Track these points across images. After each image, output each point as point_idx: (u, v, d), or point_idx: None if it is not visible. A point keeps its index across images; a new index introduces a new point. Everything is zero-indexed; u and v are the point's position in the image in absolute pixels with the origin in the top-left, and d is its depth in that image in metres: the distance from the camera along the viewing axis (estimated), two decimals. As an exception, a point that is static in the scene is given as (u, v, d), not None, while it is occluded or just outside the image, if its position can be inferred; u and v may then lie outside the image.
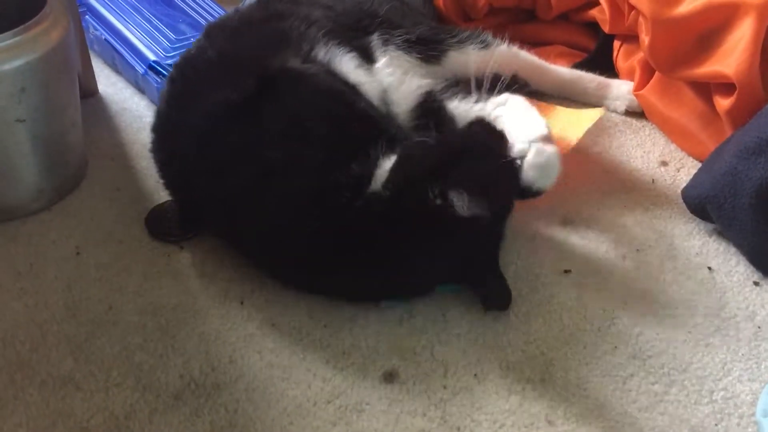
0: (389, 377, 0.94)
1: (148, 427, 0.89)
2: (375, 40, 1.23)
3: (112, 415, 0.90)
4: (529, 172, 1.05)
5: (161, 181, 1.14)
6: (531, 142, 1.07)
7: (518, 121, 1.13)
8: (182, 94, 1.12)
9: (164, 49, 1.42)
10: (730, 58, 1.17)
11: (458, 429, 0.89)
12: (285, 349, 0.98)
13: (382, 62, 1.21)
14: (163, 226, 1.15)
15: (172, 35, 1.46)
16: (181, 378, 0.94)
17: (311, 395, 0.92)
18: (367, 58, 1.21)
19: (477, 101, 1.20)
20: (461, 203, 0.92)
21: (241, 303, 1.04)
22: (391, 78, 1.20)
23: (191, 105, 1.08)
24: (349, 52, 1.16)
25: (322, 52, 1.14)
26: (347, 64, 1.15)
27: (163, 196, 1.19)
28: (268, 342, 0.99)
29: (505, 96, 1.21)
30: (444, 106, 1.22)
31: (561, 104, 1.40)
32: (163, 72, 1.38)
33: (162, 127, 1.13)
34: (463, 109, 1.21)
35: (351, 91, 1.11)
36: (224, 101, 1.04)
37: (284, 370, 0.95)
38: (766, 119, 1.07)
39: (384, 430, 0.89)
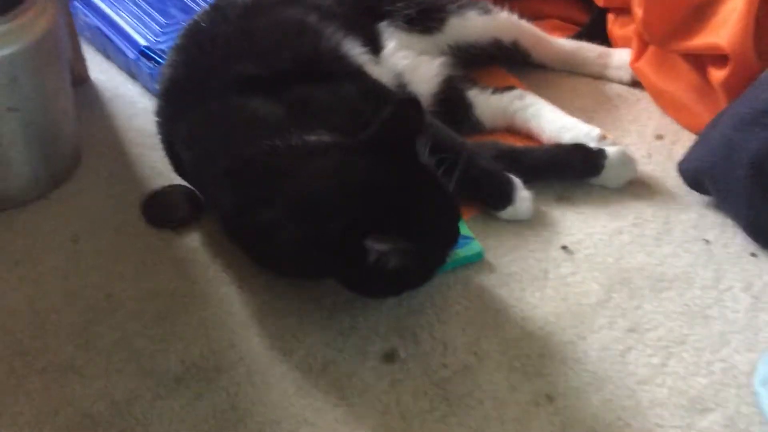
0: (389, 357, 0.95)
1: (150, 412, 0.89)
2: (382, 26, 1.24)
3: (113, 401, 0.90)
4: (610, 172, 1.14)
5: (162, 145, 1.13)
6: (595, 141, 1.17)
7: (560, 121, 1.22)
8: (194, 63, 1.11)
9: (155, 34, 1.41)
10: (724, 29, 1.16)
11: (460, 407, 0.89)
12: (284, 332, 0.98)
13: (390, 47, 1.22)
14: (159, 212, 1.15)
15: (162, 19, 1.45)
16: (182, 363, 0.94)
17: (312, 377, 0.93)
18: (375, 45, 1.22)
19: (494, 93, 1.27)
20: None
21: (240, 287, 1.04)
22: (405, 61, 1.22)
23: (206, 75, 1.08)
24: (362, 45, 1.18)
25: (342, 46, 1.14)
26: (360, 58, 1.16)
27: (159, 182, 1.19)
28: (268, 325, 0.99)
29: (519, 91, 1.29)
30: (464, 94, 1.25)
31: (562, 77, 1.40)
32: (155, 57, 1.37)
33: (171, 93, 1.12)
34: (482, 98, 1.27)
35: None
36: (247, 74, 1.04)
37: (284, 353, 0.95)
38: (761, 90, 1.07)
39: (386, 410, 0.89)
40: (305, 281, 1.02)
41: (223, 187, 0.99)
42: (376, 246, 0.87)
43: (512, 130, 1.29)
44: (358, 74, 1.13)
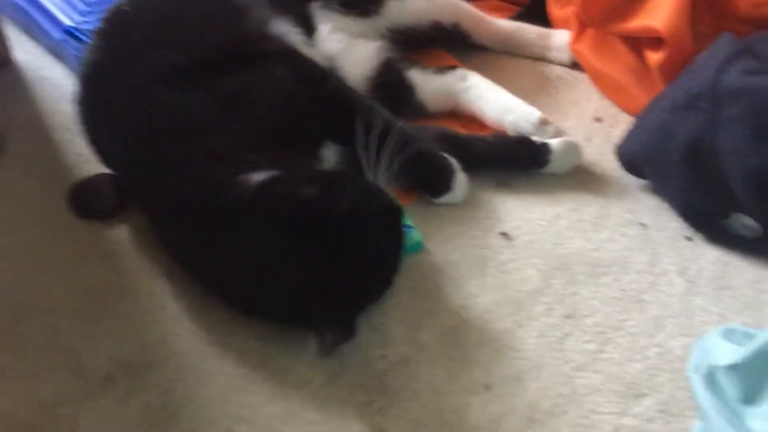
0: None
1: (79, 413, 0.86)
2: (315, 7, 1.21)
3: (40, 403, 0.87)
4: (560, 159, 1.13)
5: (87, 140, 1.08)
6: (535, 125, 1.16)
7: (502, 102, 1.20)
8: (117, 50, 1.06)
9: (80, 13, 1.35)
10: (659, 11, 1.16)
11: (398, 400, 0.88)
12: (218, 326, 0.95)
13: (323, 29, 1.19)
14: (88, 202, 1.10)
15: (88, -2, 1.38)
16: (112, 360, 0.91)
17: (247, 372, 0.91)
18: (308, 27, 1.17)
19: (436, 73, 1.24)
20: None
21: (171, 279, 1.01)
22: (338, 45, 1.18)
23: (128, 62, 1.04)
24: (292, 25, 1.14)
25: (274, 26, 1.11)
26: (291, 37, 1.13)
27: (87, 169, 1.14)
28: (201, 319, 0.96)
29: (462, 71, 1.25)
30: (403, 76, 1.22)
31: (502, 59, 1.39)
32: (81, 37, 1.31)
33: (92, 81, 1.07)
34: (424, 79, 1.23)
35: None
36: (170, 62, 1.00)
37: (218, 348, 0.93)
38: (696, 73, 1.07)
39: (323, 404, 0.88)
40: None
41: (161, 206, 0.98)
42: (325, 331, 0.88)
43: (456, 112, 1.27)
44: (289, 54, 1.09)
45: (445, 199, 1.10)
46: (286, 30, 1.12)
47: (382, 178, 0.98)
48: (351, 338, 0.90)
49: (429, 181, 1.10)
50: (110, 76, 1.04)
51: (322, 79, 1.08)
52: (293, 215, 0.88)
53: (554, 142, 1.15)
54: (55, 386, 0.88)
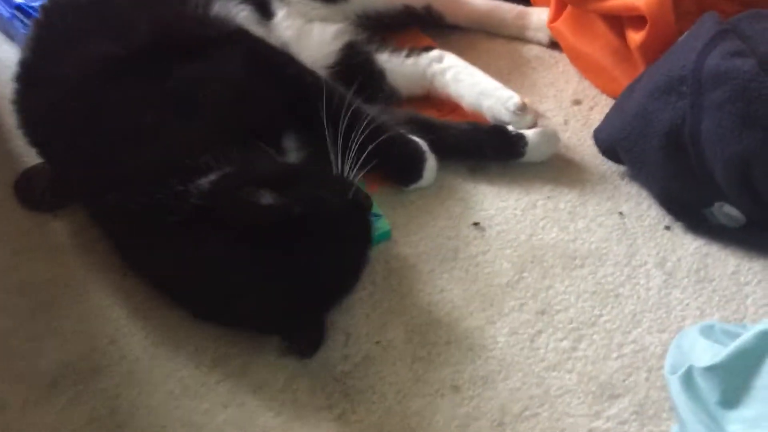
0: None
1: (20, 421, 0.82)
2: None
3: (-20, 409, 0.82)
4: (537, 149, 1.07)
5: (25, 138, 1.02)
6: (514, 112, 1.09)
7: (479, 86, 1.13)
8: (52, 41, 1.00)
9: (33, -10, 1.27)
10: (642, -11, 1.10)
11: (361, 403, 0.84)
12: (171, 326, 0.90)
13: (280, 15, 1.11)
14: (35, 192, 1.04)
15: (42, -27, 1.30)
16: (57, 363, 0.86)
17: (200, 375, 0.86)
18: (265, 11, 1.10)
19: (408, 56, 1.16)
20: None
21: (124, 275, 0.95)
22: (290, 31, 1.11)
23: (63, 54, 0.97)
24: (244, 7, 1.06)
25: (217, 8, 1.03)
26: (243, 22, 1.06)
27: (35, 157, 1.08)
28: (154, 318, 0.91)
29: (438, 52, 1.18)
30: (372, 59, 1.15)
31: (479, 39, 1.33)
32: (33, 14, 1.23)
33: (27, 78, 1.01)
34: (395, 63, 1.16)
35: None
36: (104, 53, 0.94)
37: (171, 349, 0.88)
38: (677, 56, 1.02)
39: (281, 409, 0.83)
40: None
41: (111, 218, 0.92)
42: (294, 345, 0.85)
43: (431, 96, 1.20)
44: (240, 36, 1.02)
45: (416, 186, 1.05)
46: (233, 10, 1.04)
47: (348, 167, 0.92)
48: (321, 342, 0.86)
49: (399, 170, 1.05)
50: (45, 72, 0.98)
51: (280, 64, 1.01)
52: (248, 222, 0.83)
53: (530, 133, 1.09)
54: (-4, 392, 0.83)
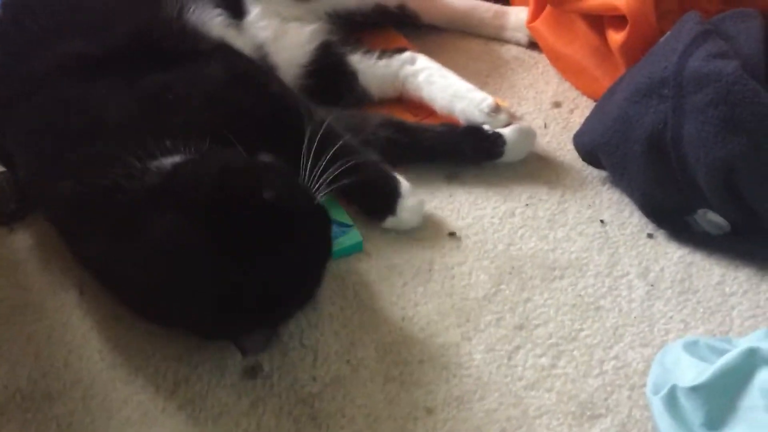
0: (251, 372, 0.84)
1: (-35, 452, 0.76)
2: None
3: None
4: (516, 147, 1.04)
5: None
6: (487, 114, 1.05)
7: (452, 88, 1.09)
8: (15, 39, 0.95)
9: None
10: (622, -12, 1.07)
11: (329, 427, 0.80)
12: (130, 346, 0.86)
13: (254, 14, 1.07)
14: (-10, 204, 0.99)
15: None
16: (5, 389, 0.82)
17: (159, 400, 0.81)
18: (236, 9, 1.06)
19: (380, 57, 1.14)
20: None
21: (81, 293, 0.91)
22: (266, 32, 1.07)
23: (29, 52, 0.93)
24: (215, 7, 1.03)
25: (190, 12, 0.99)
26: (215, 27, 1.02)
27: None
28: (111, 338, 0.87)
29: (410, 54, 1.15)
30: (345, 60, 1.11)
31: (456, 39, 1.29)
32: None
33: None
34: (367, 64, 1.13)
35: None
36: (77, 52, 0.90)
37: (129, 371, 0.84)
38: (658, 57, 0.98)
39: (243, 435, 0.79)
40: None
41: (65, 211, 0.86)
42: (244, 344, 0.80)
43: (404, 98, 1.17)
44: (224, 51, 0.99)
45: (391, 223, 0.99)
46: (207, 16, 1.00)
47: (316, 186, 0.88)
48: (271, 344, 0.82)
49: (371, 201, 1.00)
50: (8, 72, 0.93)
51: (262, 81, 0.98)
52: (211, 200, 0.78)
53: (507, 131, 1.05)
54: (-61, 420, 0.78)
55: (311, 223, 0.85)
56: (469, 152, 1.05)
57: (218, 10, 1.02)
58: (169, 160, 0.82)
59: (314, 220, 0.85)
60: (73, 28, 0.93)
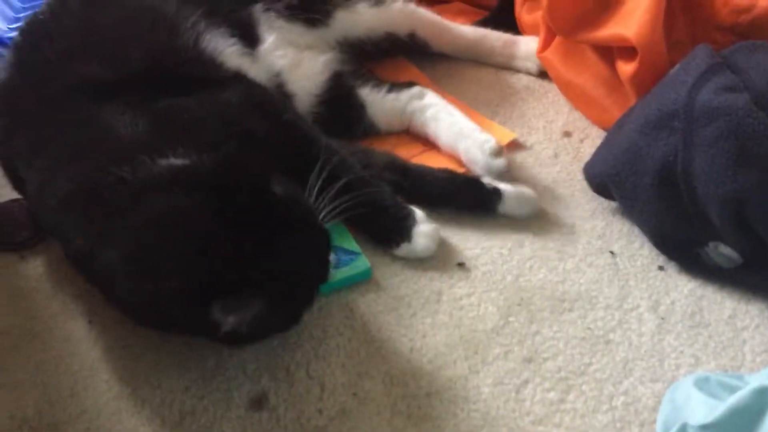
0: (257, 404, 0.84)
1: (-30, 483, 0.76)
2: (257, 11, 1.10)
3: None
4: (511, 207, 1.03)
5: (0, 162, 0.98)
6: (489, 155, 1.04)
7: (457, 126, 1.09)
8: (33, 62, 0.96)
9: (8, 20, 1.24)
10: (631, 19, 1.07)
11: (333, 461, 0.79)
12: (137, 376, 0.86)
13: (269, 42, 1.09)
14: (1, 231, 1.00)
15: (18, 3, 1.28)
16: (12, 418, 0.81)
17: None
18: (250, 38, 1.08)
19: (390, 91, 1.14)
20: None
21: (89, 322, 0.91)
22: (282, 61, 1.08)
23: (44, 76, 0.94)
24: (230, 36, 1.04)
25: (207, 40, 1.01)
26: (230, 56, 1.03)
27: (2, 194, 1.04)
28: (118, 368, 0.86)
29: (419, 89, 1.16)
30: (355, 93, 1.12)
31: (466, 68, 1.30)
32: (9, 43, 1.20)
33: (6, 100, 0.97)
34: (376, 98, 1.14)
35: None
36: (91, 76, 0.91)
37: (135, 402, 0.83)
38: (668, 89, 0.98)
39: (248, 469, 0.78)
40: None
41: (68, 219, 0.85)
42: (225, 315, 0.75)
43: (411, 132, 1.17)
44: (240, 80, 1.00)
45: (405, 250, 0.98)
46: (222, 45, 1.01)
47: (323, 213, 0.88)
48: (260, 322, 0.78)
49: (385, 229, 0.99)
50: (23, 96, 0.94)
51: (277, 109, 0.98)
52: (218, 179, 0.79)
53: (507, 190, 1.03)
54: (-55, 450, 0.78)
55: (311, 237, 0.84)
56: (466, 202, 1.05)
57: (233, 39, 1.03)
58: (180, 161, 0.82)
59: (315, 235, 0.85)
60: (89, 53, 0.93)
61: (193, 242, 0.77)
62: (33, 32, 0.99)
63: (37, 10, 1.02)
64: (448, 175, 1.05)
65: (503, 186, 1.03)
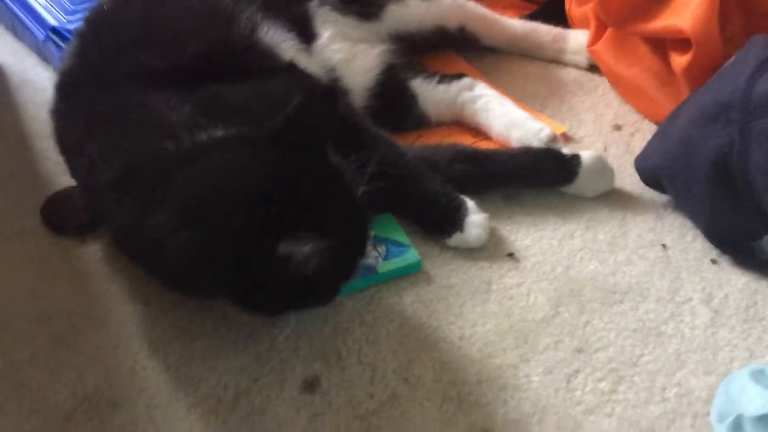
0: (309, 386, 0.85)
1: (34, 456, 0.79)
2: (312, 6, 1.12)
3: (-9, 443, 0.80)
4: (584, 182, 1.03)
5: (57, 146, 1.00)
6: (545, 144, 1.06)
7: (509, 116, 1.10)
8: (94, 52, 0.99)
9: (66, 12, 1.28)
10: (686, 11, 1.06)
11: (384, 445, 0.80)
12: (194, 357, 0.88)
13: (325, 37, 1.10)
14: (62, 216, 1.03)
15: (76, -4, 1.31)
16: (74, 396, 0.84)
17: (221, 411, 0.83)
18: (306, 33, 1.09)
19: (440, 82, 1.15)
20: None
21: (146, 304, 0.93)
22: (339, 55, 1.10)
23: (103, 64, 0.96)
24: (287, 31, 1.06)
25: (263, 33, 1.03)
26: (286, 50, 1.05)
27: (64, 181, 1.07)
28: (175, 349, 0.88)
29: (469, 80, 1.17)
30: (407, 85, 1.13)
31: (514, 61, 1.30)
32: (67, 37, 1.23)
33: (66, 86, 0.99)
34: (427, 88, 1.15)
35: None
36: (147, 66, 0.93)
37: (192, 382, 0.85)
38: (724, 80, 0.97)
39: (301, 449, 0.80)
40: (197, 299, 0.91)
41: (112, 196, 0.86)
42: (293, 248, 0.75)
43: (461, 123, 1.18)
44: (288, 70, 1.01)
45: (457, 241, 0.99)
46: (278, 38, 1.03)
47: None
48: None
49: (434, 220, 1.00)
50: (82, 83, 0.96)
51: None
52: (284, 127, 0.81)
53: (586, 155, 1.03)
54: (8, 425, 0.81)
55: (358, 208, 0.85)
56: (548, 174, 1.04)
57: (289, 34, 1.05)
58: (229, 131, 0.84)
59: (359, 208, 0.85)
60: (147, 42, 0.95)
61: (254, 183, 0.78)
62: (96, 21, 1.02)
63: (100, 0, 1.04)
64: (523, 149, 1.05)
65: (581, 151, 1.03)
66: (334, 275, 0.84)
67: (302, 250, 0.75)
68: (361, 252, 0.87)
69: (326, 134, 0.83)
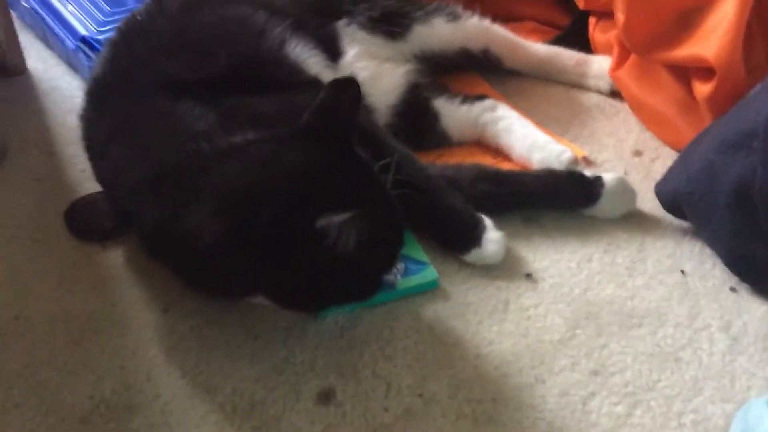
0: (325, 398, 0.85)
1: (49, 456, 0.79)
2: (340, 26, 1.14)
3: (8, 443, 0.80)
4: (607, 204, 1.03)
5: (86, 151, 1.01)
6: (566, 167, 1.07)
7: (530, 138, 1.12)
8: (125, 60, 1.01)
9: (97, 23, 1.30)
10: (710, 40, 1.06)
11: (398, 459, 0.80)
12: (211, 365, 0.88)
13: (351, 54, 1.12)
14: (85, 221, 1.04)
15: (107, 7, 1.34)
16: (91, 398, 0.84)
17: (237, 419, 0.83)
18: (333, 51, 1.11)
19: (463, 102, 1.16)
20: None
21: (165, 311, 0.94)
22: (365, 73, 1.11)
23: (134, 73, 0.98)
24: (313, 48, 1.07)
25: (290, 48, 1.04)
26: (312, 66, 1.06)
27: (89, 187, 1.08)
28: (192, 356, 0.89)
29: (492, 101, 1.18)
30: (430, 104, 1.15)
31: (536, 85, 1.31)
32: (97, 47, 1.26)
33: (97, 92, 1.01)
34: (449, 108, 1.16)
35: None
36: (176, 77, 0.95)
37: (208, 390, 0.85)
38: (747, 109, 0.97)
39: (314, 461, 0.80)
40: (231, 299, 0.92)
41: (142, 198, 0.88)
42: (330, 223, 0.75)
43: (481, 143, 1.19)
44: (313, 84, 1.03)
45: (475, 257, 0.99)
46: (306, 54, 1.05)
47: None
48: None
49: (451, 236, 1.01)
50: (111, 90, 0.98)
51: None
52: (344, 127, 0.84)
53: (608, 177, 1.04)
54: (24, 424, 0.82)
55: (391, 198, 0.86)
56: (571, 195, 1.05)
57: (316, 51, 1.06)
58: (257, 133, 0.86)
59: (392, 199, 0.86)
60: (177, 54, 0.97)
61: (289, 172, 0.80)
62: (129, 31, 1.03)
63: (134, 11, 1.06)
64: (545, 171, 1.06)
65: (604, 173, 1.04)
66: (374, 262, 0.84)
67: (338, 222, 0.76)
68: (398, 241, 0.87)
69: (353, 122, 0.84)
